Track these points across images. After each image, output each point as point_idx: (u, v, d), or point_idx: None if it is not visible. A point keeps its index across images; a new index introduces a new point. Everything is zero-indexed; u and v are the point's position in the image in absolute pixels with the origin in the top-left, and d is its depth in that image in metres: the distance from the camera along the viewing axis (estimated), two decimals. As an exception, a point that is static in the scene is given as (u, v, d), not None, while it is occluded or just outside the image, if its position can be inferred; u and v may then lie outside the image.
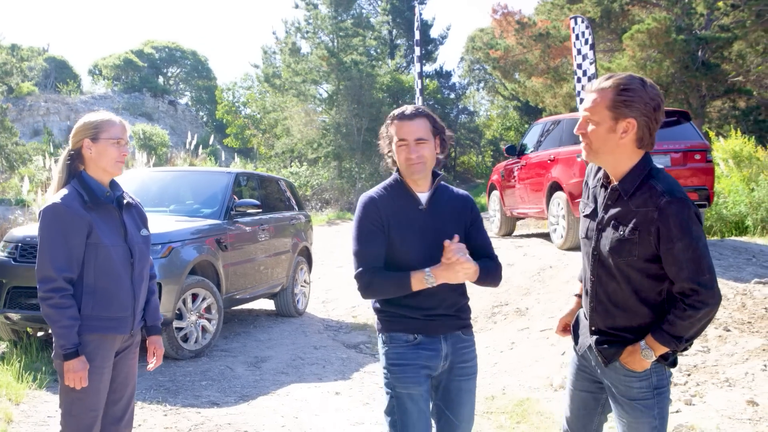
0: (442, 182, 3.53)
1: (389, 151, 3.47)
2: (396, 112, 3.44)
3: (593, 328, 3.13)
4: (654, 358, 2.96)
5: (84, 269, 3.49)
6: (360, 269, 3.31)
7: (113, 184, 3.73)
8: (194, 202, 8.76)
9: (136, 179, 9.61)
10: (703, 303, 2.81)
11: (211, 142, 31.57)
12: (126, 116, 37.90)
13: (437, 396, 3.47)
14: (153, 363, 3.91)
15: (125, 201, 3.72)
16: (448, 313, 3.41)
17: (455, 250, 3.19)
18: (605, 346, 3.07)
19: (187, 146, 26.73)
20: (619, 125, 2.85)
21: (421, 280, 3.22)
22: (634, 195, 2.88)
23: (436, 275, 3.20)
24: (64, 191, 3.54)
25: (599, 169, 3.13)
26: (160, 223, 7.63)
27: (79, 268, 3.48)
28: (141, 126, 30.24)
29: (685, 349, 3.02)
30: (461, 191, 3.60)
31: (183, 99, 51.70)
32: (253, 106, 38.34)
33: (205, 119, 50.02)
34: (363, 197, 3.45)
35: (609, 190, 2.98)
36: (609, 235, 2.94)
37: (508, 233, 13.55)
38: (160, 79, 49.36)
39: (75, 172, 3.64)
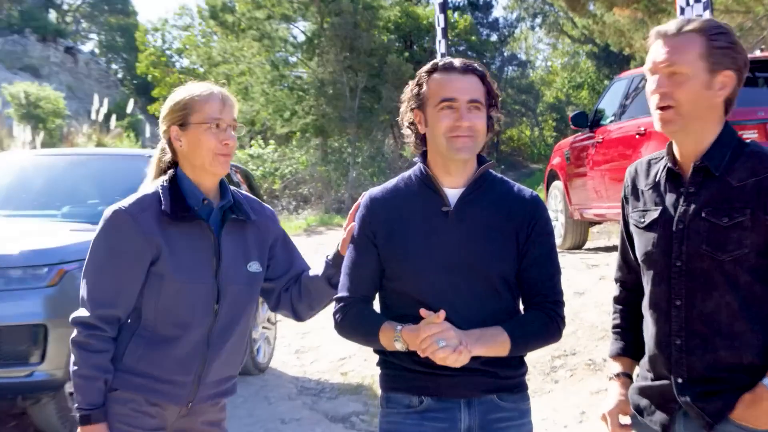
0: (491, 171, 3.50)
1: (413, 123, 3.48)
2: (436, 62, 3.45)
3: (682, 379, 3.08)
4: None
5: (142, 305, 3.56)
6: (337, 299, 3.42)
7: (223, 189, 3.75)
8: (99, 201, 8.74)
9: (11, 168, 9.63)
10: None
11: (129, 110, 31.67)
12: (0, 71, 38.04)
13: None
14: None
15: (233, 216, 3.70)
16: (474, 367, 3.29)
17: (432, 335, 3.11)
18: (707, 399, 3.03)
19: (93, 116, 26.78)
20: (716, 80, 2.97)
21: (389, 340, 3.24)
22: (732, 168, 3.00)
23: (407, 341, 3.19)
24: (141, 193, 3.64)
25: (650, 166, 3.25)
26: (46, 233, 7.65)
27: (131, 304, 3.56)
28: (23, 85, 30.31)
29: None
30: (524, 189, 3.55)
31: (87, 45, 52.01)
32: (194, 56, 38.48)
33: (120, 75, 50.25)
34: (363, 195, 3.53)
35: (692, 173, 3.06)
36: (703, 229, 3.01)
37: (578, 245, 13.57)
38: (52, 15, 49.50)
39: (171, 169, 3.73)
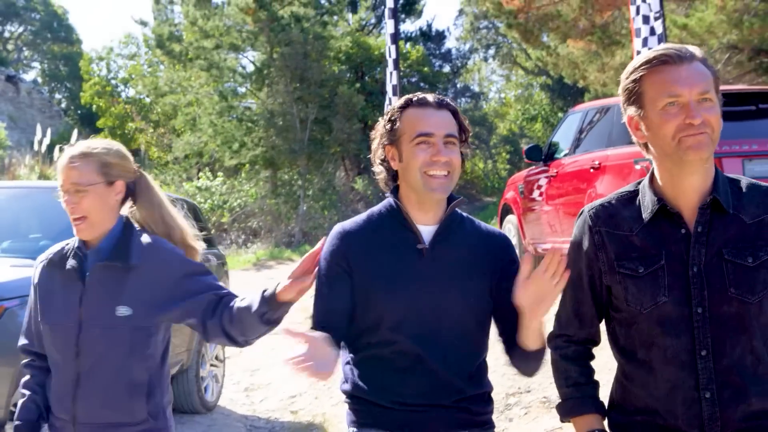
0: (458, 210, 3.52)
1: (386, 160, 3.50)
2: (409, 97, 3.47)
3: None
4: None
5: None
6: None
7: (110, 237, 3.89)
8: (42, 235, 8.72)
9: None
10: None
11: (73, 141, 31.49)
12: (-60, 101, 37.79)
13: None
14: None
15: (99, 263, 3.82)
16: (447, 403, 3.38)
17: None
18: None
19: (36, 147, 26.66)
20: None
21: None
22: (740, 204, 3.00)
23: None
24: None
25: (621, 207, 3.19)
26: (-14, 269, 7.60)
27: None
28: (-38, 116, 30.18)
29: None
30: (492, 228, 3.62)
31: (29, 74, 51.76)
32: (139, 86, 38.42)
33: (64, 105, 50.08)
34: (334, 228, 3.50)
35: (699, 210, 3.02)
36: (728, 271, 2.97)
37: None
38: (-6, 44, 49.30)
39: None
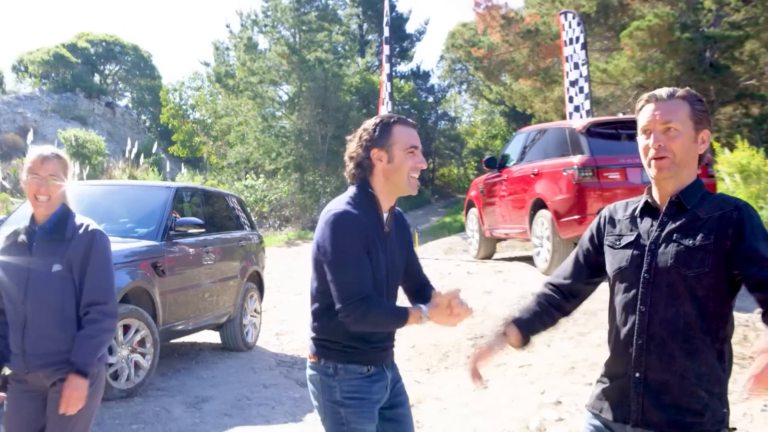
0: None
1: (368, 158, 3.52)
2: (391, 117, 3.56)
3: (639, 374, 3.02)
4: None
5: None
6: (355, 298, 3.31)
7: (55, 217, 4.02)
8: (128, 220, 8.83)
9: (62, 194, 9.69)
10: None
11: (154, 151, 31.60)
12: (56, 119, 37.83)
13: (386, 426, 3.62)
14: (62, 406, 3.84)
15: (43, 236, 3.97)
16: (389, 344, 3.63)
17: (458, 301, 3.38)
18: (660, 406, 2.97)
19: (127, 155, 26.70)
20: (699, 136, 3.02)
21: (417, 319, 3.36)
22: (701, 205, 2.99)
23: (432, 317, 3.37)
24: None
25: (627, 204, 3.23)
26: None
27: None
28: (73, 131, 30.13)
29: None
30: (399, 210, 3.75)
31: (122, 101, 51.70)
32: (203, 110, 38.48)
33: (147, 124, 49.99)
34: (342, 213, 3.42)
35: (667, 205, 3.05)
36: (672, 249, 2.98)
37: (488, 256, 13.73)
38: (96, 78, 49.26)
39: None
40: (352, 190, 3.55)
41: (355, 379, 3.47)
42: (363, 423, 3.46)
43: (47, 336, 3.84)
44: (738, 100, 22.53)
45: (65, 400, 3.76)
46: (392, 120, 3.54)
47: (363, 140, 3.54)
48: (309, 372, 3.59)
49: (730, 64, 21.30)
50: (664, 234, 3.02)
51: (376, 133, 3.51)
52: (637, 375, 3.00)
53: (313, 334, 3.56)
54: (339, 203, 3.48)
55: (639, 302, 3.02)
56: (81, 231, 3.97)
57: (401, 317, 3.37)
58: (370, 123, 3.59)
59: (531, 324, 3.33)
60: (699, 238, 2.91)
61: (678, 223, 3.00)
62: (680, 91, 3.05)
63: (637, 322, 3.02)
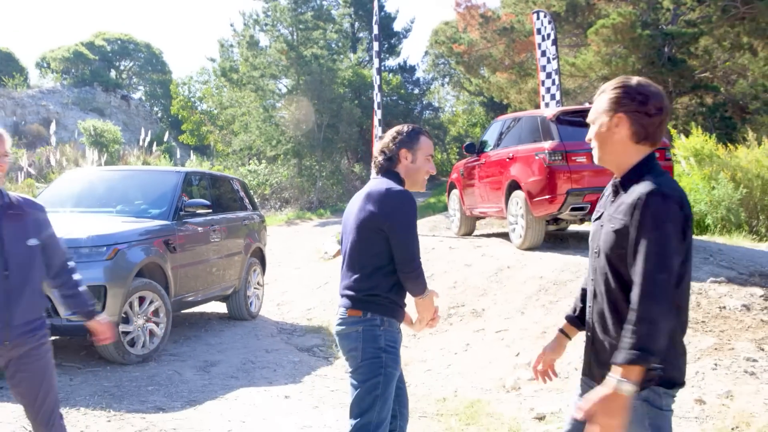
0: None
1: (398, 155, 3.93)
2: (420, 128, 4.02)
3: (589, 336, 3.09)
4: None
5: None
6: (419, 260, 3.77)
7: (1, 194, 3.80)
8: (142, 202, 8.83)
9: (83, 179, 9.68)
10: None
11: (165, 139, 31.56)
12: (76, 111, 37.65)
13: None
14: (105, 338, 4.13)
15: (9, 211, 3.78)
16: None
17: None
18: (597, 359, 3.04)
19: (141, 143, 26.69)
20: (611, 122, 2.94)
21: (429, 298, 3.90)
22: (630, 189, 2.88)
23: (420, 304, 3.93)
24: None
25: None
26: (105, 224, 7.72)
27: None
28: (92, 122, 30.04)
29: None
30: None
31: (136, 94, 51.41)
32: (210, 102, 38.23)
33: (159, 115, 49.76)
34: (404, 191, 3.81)
35: (612, 187, 3.04)
36: (603, 230, 2.98)
37: (468, 233, 13.73)
38: (112, 73, 49.00)
39: None
40: (389, 177, 3.91)
41: (395, 332, 3.81)
42: (395, 368, 3.78)
43: (27, 306, 3.77)
44: (693, 91, 22.61)
45: (105, 335, 4.11)
46: (421, 131, 4.00)
47: (397, 140, 3.95)
48: (345, 325, 3.79)
49: (686, 58, 21.34)
50: (603, 215, 3.04)
51: (408, 137, 3.95)
52: (588, 335, 3.10)
53: (358, 292, 3.76)
54: (392, 184, 3.80)
55: (590, 274, 3.10)
56: (27, 204, 3.90)
57: (425, 287, 3.82)
58: (404, 128, 4.01)
59: (579, 317, 3.34)
60: (618, 221, 2.87)
61: (612, 206, 2.97)
62: (607, 85, 3.01)
63: (588, 291, 3.12)
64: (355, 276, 3.78)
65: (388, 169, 3.95)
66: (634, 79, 2.99)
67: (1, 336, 3.72)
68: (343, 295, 3.84)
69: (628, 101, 2.93)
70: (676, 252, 2.74)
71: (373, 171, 4.05)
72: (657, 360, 2.67)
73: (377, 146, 4.03)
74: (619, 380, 2.61)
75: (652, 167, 2.92)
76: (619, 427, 2.63)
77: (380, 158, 3.98)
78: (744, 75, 24.22)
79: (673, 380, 2.88)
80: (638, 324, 2.66)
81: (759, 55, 22.39)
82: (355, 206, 3.87)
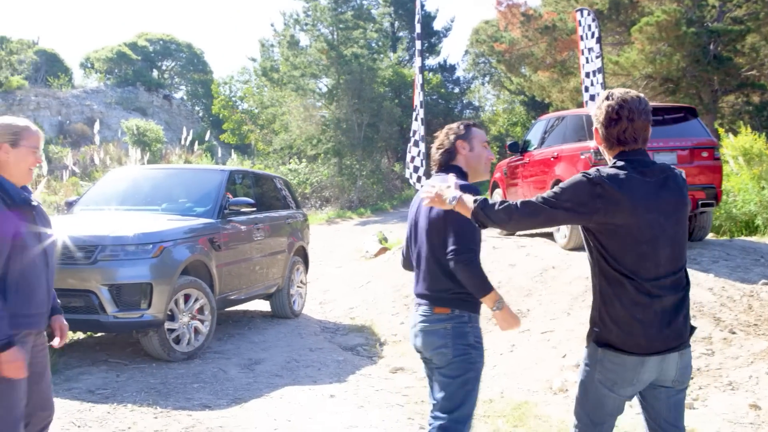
0: None
1: (454, 146, 4.01)
2: (471, 120, 4.38)
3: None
4: None
5: (9, 267, 3.47)
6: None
7: (22, 186, 3.70)
8: (187, 200, 8.84)
9: (127, 177, 9.74)
10: None
11: (207, 138, 31.71)
12: (119, 111, 38.06)
13: None
14: (58, 341, 3.89)
15: (33, 203, 3.68)
16: None
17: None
18: None
19: (183, 142, 26.84)
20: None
21: (492, 301, 3.73)
22: None
23: (498, 314, 3.87)
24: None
25: None
26: (151, 222, 7.75)
27: (3, 267, 3.46)
28: (135, 121, 30.35)
29: None
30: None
31: (178, 93, 51.85)
32: (251, 101, 38.45)
33: (201, 114, 50.15)
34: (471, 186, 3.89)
35: None
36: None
37: (512, 233, 13.61)
38: (155, 73, 49.47)
39: None
40: (451, 171, 3.94)
41: (479, 328, 3.87)
42: (482, 363, 3.86)
43: (50, 294, 3.74)
44: (739, 89, 22.25)
45: (64, 335, 3.90)
46: (472, 123, 4.14)
47: (451, 134, 4.05)
48: (430, 323, 3.82)
49: (732, 56, 21.02)
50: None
51: (461, 129, 4.06)
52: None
53: (445, 291, 3.80)
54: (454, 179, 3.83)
55: None
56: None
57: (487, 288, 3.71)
58: (455, 124, 4.14)
59: None
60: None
61: None
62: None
63: None
64: (439, 276, 3.81)
65: (448, 164, 4.01)
66: (610, 92, 3.49)
67: (44, 321, 3.72)
68: (424, 295, 3.88)
69: (597, 115, 3.47)
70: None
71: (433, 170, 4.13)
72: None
73: (434, 146, 4.11)
74: None
75: (615, 161, 3.40)
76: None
77: (438, 155, 4.06)
78: (792, 73, 23.78)
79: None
80: None
81: (808, 53, 21.99)
82: (423, 207, 3.89)
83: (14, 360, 3.36)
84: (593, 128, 3.49)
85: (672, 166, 3.45)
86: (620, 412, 3.46)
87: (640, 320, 3.22)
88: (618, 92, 3.41)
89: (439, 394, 3.80)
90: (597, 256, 3.33)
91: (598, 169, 3.26)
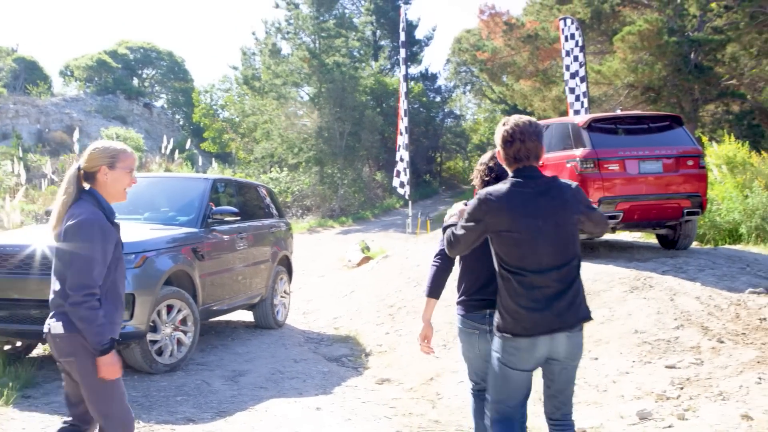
0: None
1: (493, 159, 4.43)
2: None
3: None
4: None
5: (107, 279, 3.73)
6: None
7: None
8: (169, 209, 8.69)
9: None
10: None
11: (187, 147, 31.45)
12: (99, 119, 37.78)
13: None
14: None
15: (116, 221, 3.92)
16: None
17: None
18: None
19: (163, 150, 26.59)
20: None
21: None
22: None
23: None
24: (87, 206, 3.76)
25: None
26: (133, 231, 7.58)
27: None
28: (115, 129, 30.16)
29: None
30: None
31: (158, 101, 51.62)
32: (232, 109, 38.35)
33: (181, 123, 49.93)
34: None
35: None
36: None
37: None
38: (135, 81, 49.24)
39: (82, 190, 3.85)
40: None
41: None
42: None
43: None
44: (720, 98, 22.38)
45: None
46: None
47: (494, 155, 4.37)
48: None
49: (713, 65, 21.14)
50: None
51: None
52: None
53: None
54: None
55: None
56: None
57: None
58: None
59: None
60: None
61: None
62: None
63: None
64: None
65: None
66: (505, 119, 4.06)
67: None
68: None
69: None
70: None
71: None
72: None
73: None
74: None
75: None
76: None
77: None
78: (771, 82, 23.94)
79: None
80: None
81: (788, 63, 22.14)
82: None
83: (112, 363, 3.68)
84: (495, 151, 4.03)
85: (560, 180, 4.00)
86: (527, 386, 4.04)
87: (524, 307, 3.79)
88: (513, 118, 4.02)
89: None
90: (495, 258, 3.93)
91: (486, 190, 3.88)
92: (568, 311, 3.83)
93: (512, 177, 3.89)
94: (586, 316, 3.93)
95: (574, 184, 4.01)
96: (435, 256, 4.49)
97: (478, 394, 4.55)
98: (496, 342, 3.92)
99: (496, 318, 3.91)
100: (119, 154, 3.89)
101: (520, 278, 3.78)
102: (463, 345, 4.53)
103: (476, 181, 4.51)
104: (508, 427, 4.10)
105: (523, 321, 3.78)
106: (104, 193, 3.87)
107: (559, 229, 3.83)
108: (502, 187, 3.84)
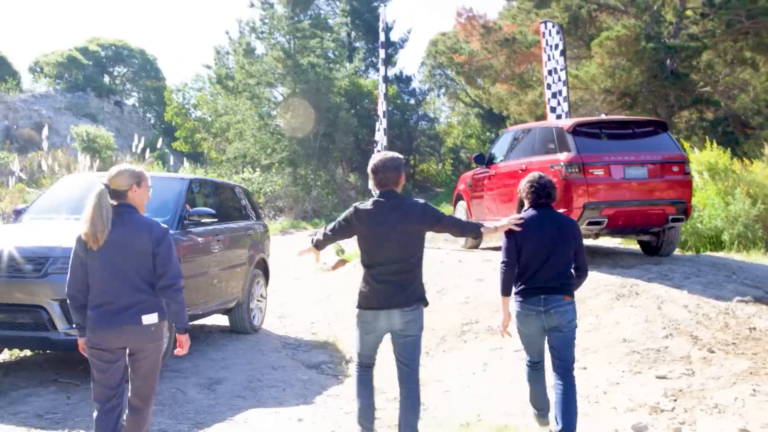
0: None
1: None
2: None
3: None
4: None
5: None
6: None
7: None
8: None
9: (80, 185, 9.17)
10: None
11: (159, 146, 30.93)
12: (69, 117, 37.16)
13: None
14: None
15: None
16: None
17: None
18: None
19: (134, 149, 26.14)
20: None
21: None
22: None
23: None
24: (142, 216, 4.64)
25: None
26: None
27: None
28: (85, 127, 29.58)
29: None
30: None
31: (130, 100, 50.95)
32: (204, 109, 37.85)
33: (153, 121, 49.31)
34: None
35: None
36: None
37: (475, 246, 13.31)
38: (106, 79, 48.54)
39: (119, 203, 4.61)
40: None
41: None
42: None
43: None
44: (694, 105, 22.33)
45: None
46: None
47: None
48: (567, 305, 5.51)
49: (689, 72, 21.11)
50: None
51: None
52: None
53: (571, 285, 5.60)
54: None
55: None
56: None
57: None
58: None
59: None
60: None
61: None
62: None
63: None
64: (565, 272, 5.56)
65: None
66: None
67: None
68: (557, 287, 5.48)
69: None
70: None
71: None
72: None
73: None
74: None
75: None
76: None
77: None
78: (745, 90, 23.98)
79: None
80: None
81: (761, 70, 22.16)
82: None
83: (188, 341, 4.71)
84: None
85: (410, 199, 5.25)
86: (374, 348, 5.36)
87: (370, 290, 5.16)
88: (379, 155, 5.24)
89: (567, 352, 5.55)
90: (361, 253, 5.29)
91: (356, 204, 5.24)
92: (402, 295, 5.10)
93: (377, 197, 5.16)
94: (421, 298, 5.20)
95: (420, 201, 5.24)
96: (501, 263, 5.54)
97: (533, 365, 5.77)
98: (357, 314, 5.27)
99: (358, 297, 5.23)
100: (143, 174, 4.71)
101: (370, 270, 5.17)
102: (522, 325, 5.60)
103: (524, 195, 5.65)
104: (365, 373, 5.40)
105: (369, 300, 5.16)
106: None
107: (401, 236, 5.09)
108: (368, 203, 5.17)
